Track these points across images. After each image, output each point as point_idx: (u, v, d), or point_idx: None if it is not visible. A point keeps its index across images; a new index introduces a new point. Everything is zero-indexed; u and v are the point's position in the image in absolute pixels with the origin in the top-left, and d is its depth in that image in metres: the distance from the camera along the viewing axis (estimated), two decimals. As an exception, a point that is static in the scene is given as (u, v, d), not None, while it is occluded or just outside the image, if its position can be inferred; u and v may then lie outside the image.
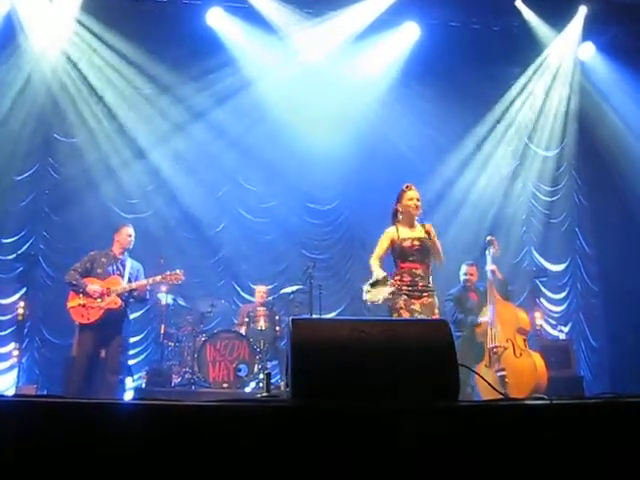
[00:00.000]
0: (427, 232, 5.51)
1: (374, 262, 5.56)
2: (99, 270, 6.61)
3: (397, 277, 5.50)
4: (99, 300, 6.46)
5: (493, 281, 6.93)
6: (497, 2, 9.39)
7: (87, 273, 6.59)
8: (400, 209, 5.65)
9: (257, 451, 2.08)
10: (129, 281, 6.67)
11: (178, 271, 6.86)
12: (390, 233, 5.63)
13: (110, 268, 6.66)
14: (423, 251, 5.53)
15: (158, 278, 6.79)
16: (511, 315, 6.80)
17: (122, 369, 7.12)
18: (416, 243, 5.52)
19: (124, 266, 6.73)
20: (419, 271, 5.48)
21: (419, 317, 5.31)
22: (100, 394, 6.26)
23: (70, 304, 6.53)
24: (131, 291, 6.66)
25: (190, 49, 9.37)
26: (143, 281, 6.73)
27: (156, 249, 9.08)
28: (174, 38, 9.28)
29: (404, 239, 5.54)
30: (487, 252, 7.10)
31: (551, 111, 10.36)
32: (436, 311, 5.54)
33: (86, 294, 6.47)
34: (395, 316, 5.37)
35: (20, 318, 8.37)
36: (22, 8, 8.77)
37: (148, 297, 7.08)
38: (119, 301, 6.54)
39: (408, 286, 5.45)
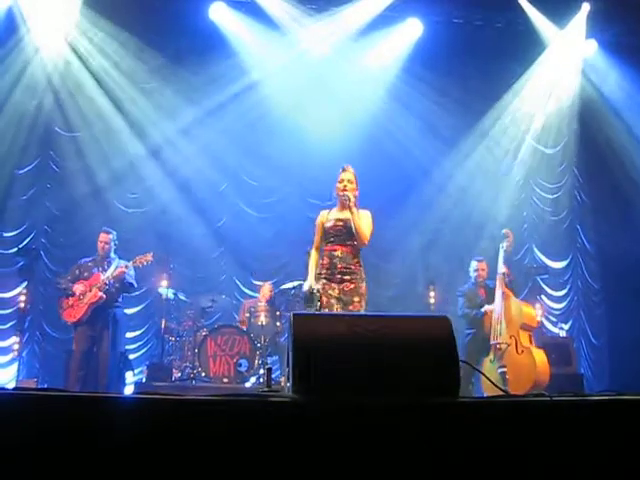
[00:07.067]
0: (350, 209, 5.26)
1: (312, 260, 5.42)
2: (86, 274, 7.07)
3: (320, 261, 5.37)
4: (81, 297, 6.88)
5: (503, 278, 6.97)
6: (500, -1, 9.38)
7: (76, 279, 7.05)
8: (334, 191, 5.50)
9: (257, 446, 2.08)
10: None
11: (147, 254, 7.11)
12: (320, 216, 5.54)
13: (95, 270, 7.07)
14: (345, 232, 5.30)
15: (130, 263, 7.07)
16: (516, 311, 6.84)
17: (115, 365, 7.27)
18: (339, 224, 5.33)
19: (110, 266, 7.11)
20: (337, 252, 5.26)
21: (335, 304, 5.13)
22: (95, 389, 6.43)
23: (62, 309, 7.00)
24: (110, 282, 6.92)
25: (193, 43, 9.38)
26: (117, 269, 6.99)
27: (157, 243, 9.07)
28: (177, 32, 9.29)
29: (329, 220, 5.41)
30: (501, 245, 7.13)
31: (553, 108, 10.30)
32: (356, 299, 5.20)
33: (73, 295, 6.92)
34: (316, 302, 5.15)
35: (21, 312, 8.37)
36: (24, 1, 8.74)
37: (131, 281, 7.20)
38: (99, 293, 6.86)
39: (327, 269, 5.26)
